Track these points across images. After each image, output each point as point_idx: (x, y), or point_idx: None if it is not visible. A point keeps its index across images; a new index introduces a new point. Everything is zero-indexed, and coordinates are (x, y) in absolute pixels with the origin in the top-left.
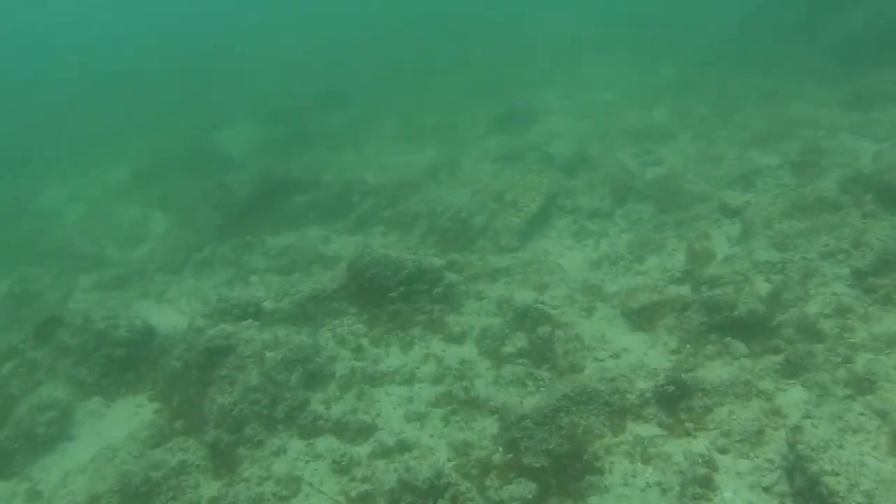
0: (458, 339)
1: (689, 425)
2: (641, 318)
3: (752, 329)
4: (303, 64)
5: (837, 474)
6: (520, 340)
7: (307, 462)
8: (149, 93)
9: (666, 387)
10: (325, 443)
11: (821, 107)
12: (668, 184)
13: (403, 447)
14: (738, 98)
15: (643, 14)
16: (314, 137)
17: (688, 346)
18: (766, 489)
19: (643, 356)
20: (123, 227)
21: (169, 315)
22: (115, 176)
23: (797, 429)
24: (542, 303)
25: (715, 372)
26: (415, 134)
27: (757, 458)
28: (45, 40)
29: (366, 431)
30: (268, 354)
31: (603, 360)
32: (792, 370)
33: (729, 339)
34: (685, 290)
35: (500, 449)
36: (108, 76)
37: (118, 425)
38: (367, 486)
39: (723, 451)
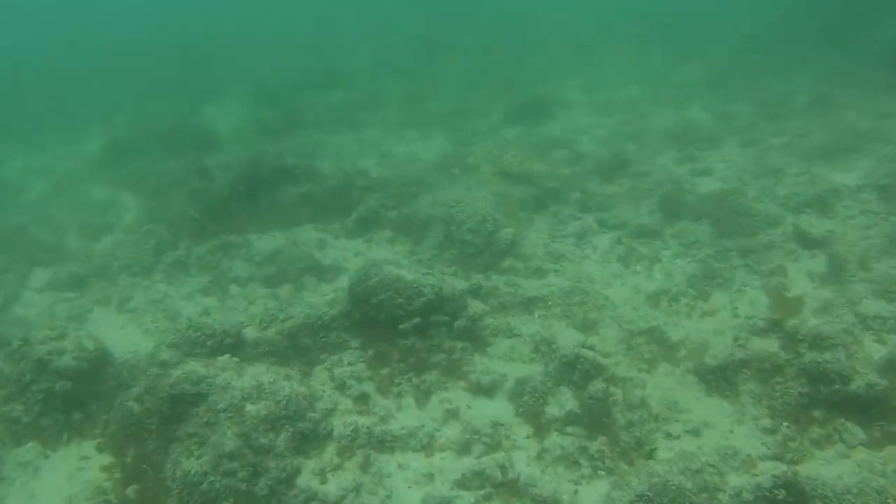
0: (488, 391)
1: None
2: (719, 379)
3: (868, 407)
4: (299, 42)
5: None
6: (567, 399)
7: None
8: (136, 69)
9: (774, 491)
10: None
11: (882, 117)
12: (727, 200)
13: None
14: (781, 101)
15: (666, 5)
16: (309, 119)
17: (785, 424)
18: None
19: (729, 434)
20: (90, 212)
21: (130, 334)
22: (87, 151)
23: None
24: (591, 348)
25: (832, 469)
26: (420, 120)
27: None
28: (32, 12)
29: None
30: (248, 408)
31: (678, 438)
32: None
33: (843, 421)
34: (772, 344)
35: None
36: (95, 51)
37: (56, 485)
38: None
39: None
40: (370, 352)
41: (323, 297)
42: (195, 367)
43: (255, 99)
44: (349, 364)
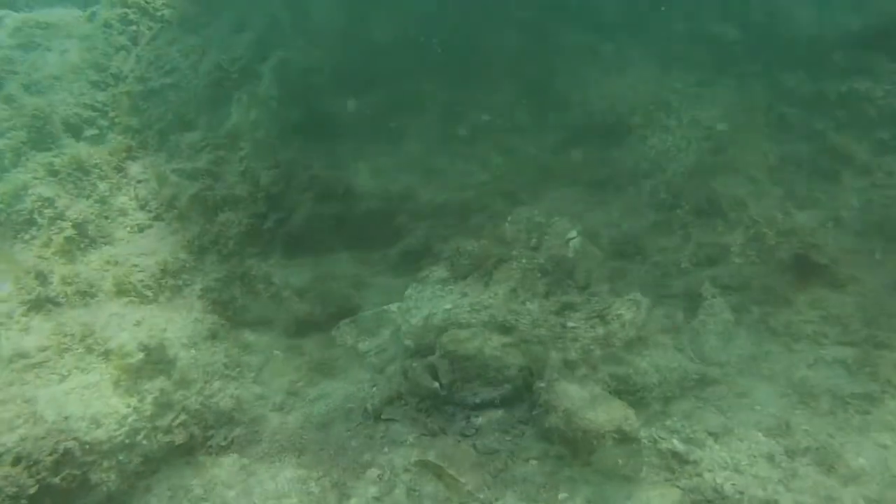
0: None
1: None
2: None
3: None
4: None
5: None
6: None
7: None
8: None
9: None
10: None
11: None
12: None
13: None
14: None
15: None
16: (339, 123)
17: None
18: None
19: None
20: None
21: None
22: None
23: None
24: None
25: None
26: (469, 134)
27: None
28: None
29: None
30: None
31: None
32: None
33: None
34: None
35: None
36: None
37: None
38: None
39: None
40: (433, 451)
41: (366, 360)
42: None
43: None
44: (410, 474)
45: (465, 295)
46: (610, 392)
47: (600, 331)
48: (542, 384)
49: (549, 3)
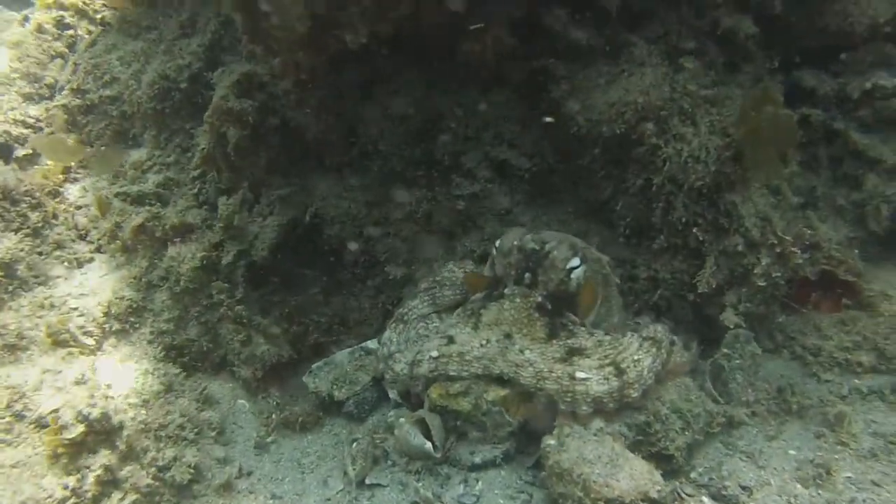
0: None
1: None
2: None
3: None
4: None
5: None
6: None
7: None
8: None
9: None
10: None
11: None
12: None
13: None
14: None
15: None
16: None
17: None
18: None
19: None
20: None
21: None
22: None
23: None
24: None
25: None
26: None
27: None
28: None
29: None
30: None
31: None
32: None
33: None
34: None
35: None
36: None
37: None
38: None
39: None
40: None
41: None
42: None
43: None
44: None
45: (451, 341)
46: (629, 444)
47: (615, 383)
48: (553, 441)
49: None
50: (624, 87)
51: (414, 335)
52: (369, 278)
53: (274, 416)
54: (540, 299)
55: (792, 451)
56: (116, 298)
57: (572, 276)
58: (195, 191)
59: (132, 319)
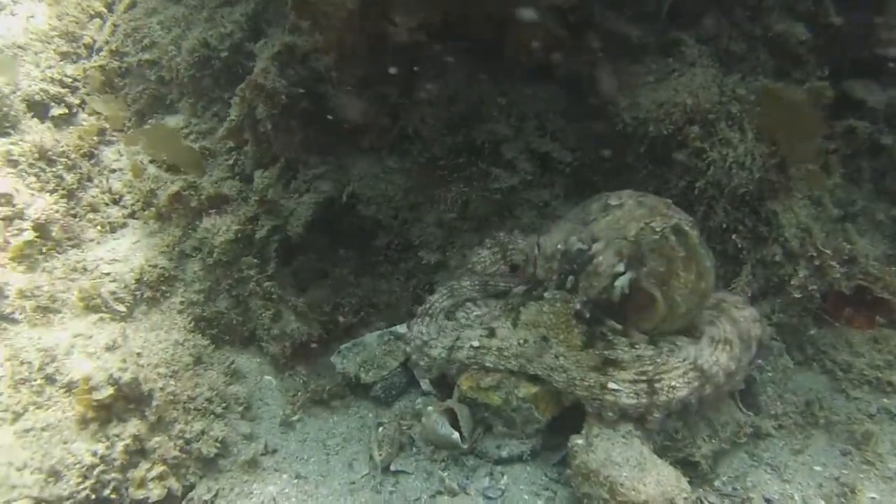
0: None
1: None
2: None
3: None
4: None
5: None
6: None
7: None
8: None
9: None
10: None
11: None
12: None
13: None
14: None
15: None
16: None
17: None
18: None
19: None
20: None
21: None
22: None
23: None
24: None
25: None
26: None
27: None
28: None
29: None
30: None
31: None
32: None
33: None
34: None
35: None
36: None
37: None
38: None
39: None
40: None
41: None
42: None
43: None
44: None
45: (492, 334)
46: (656, 449)
47: (643, 400)
48: (581, 441)
49: None
50: (673, 87)
51: (452, 323)
52: (402, 261)
53: (300, 393)
54: (578, 306)
55: (818, 468)
56: (149, 266)
57: (616, 283)
58: (231, 162)
59: (163, 288)
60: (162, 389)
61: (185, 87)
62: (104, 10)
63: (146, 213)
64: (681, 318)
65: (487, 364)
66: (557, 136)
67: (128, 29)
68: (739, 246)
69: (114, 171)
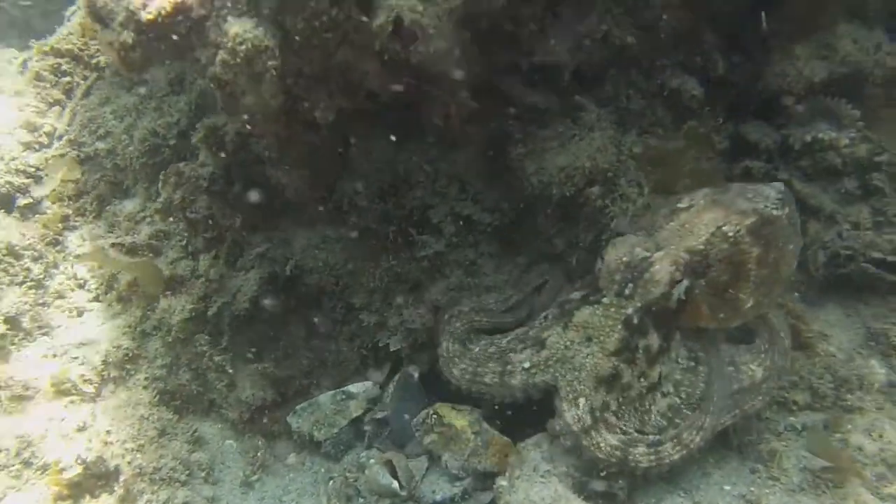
0: None
1: None
2: None
3: None
4: None
5: None
6: None
7: None
8: None
9: None
10: None
11: None
12: None
13: None
14: None
15: None
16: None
17: None
18: None
19: None
20: None
21: None
22: None
23: None
24: None
25: None
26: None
27: None
28: None
29: None
30: None
31: None
32: None
33: None
34: None
35: None
36: None
37: None
38: None
39: None
40: None
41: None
42: None
43: None
44: None
45: (542, 346)
46: (575, 484)
47: (619, 453)
48: (504, 483)
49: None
50: (573, 152)
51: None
52: (346, 324)
53: (259, 454)
54: (630, 311)
55: (727, 487)
56: (113, 347)
57: (674, 291)
58: (184, 242)
59: (128, 367)
60: (129, 463)
61: (139, 174)
62: (62, 97)
63: (108, 296)
64: (746, 314)
65: (538, 383)
66: (478, 199)
67: (84, 119)
68: None
69: (78, 255)
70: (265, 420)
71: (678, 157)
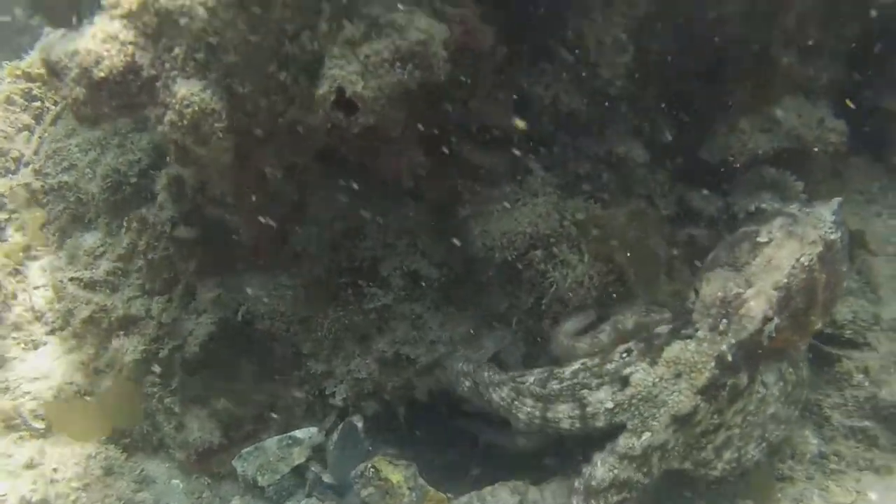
0: None
1: None
2: None
3: None
4: None
5: None
6: None
7: None
8: None
9: None
10: None
11: None
12: None
13: None
14: None
15: None
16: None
17: None
18: None
19: None
20: None
21: None
22: None
23: None
24: None
25: None
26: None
27: None
28: None
29: None
30: None
31: None
32: None
33: None
34: None
35: None
36: None
37: None
38: None
39: None
40: None
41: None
42: None
43: None
44: None
45: (625, 383)
46: None
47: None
48: None
49: None
50: (516, 217)
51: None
52: (295, 370)
53: (205, 495)
54: (724, 348)
55: None
56: (66, 384)
57: (765, 328)
58: (140, 281)
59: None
60: (74, 502)
61: (100, 209)
62: (32, 122)
63: (64, 332)
64: (811, 336)
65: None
66: (426, 254)
67: (49, 150)
68: None
69: (37, 287)
70: (212, 462)
71: (622, 224)
